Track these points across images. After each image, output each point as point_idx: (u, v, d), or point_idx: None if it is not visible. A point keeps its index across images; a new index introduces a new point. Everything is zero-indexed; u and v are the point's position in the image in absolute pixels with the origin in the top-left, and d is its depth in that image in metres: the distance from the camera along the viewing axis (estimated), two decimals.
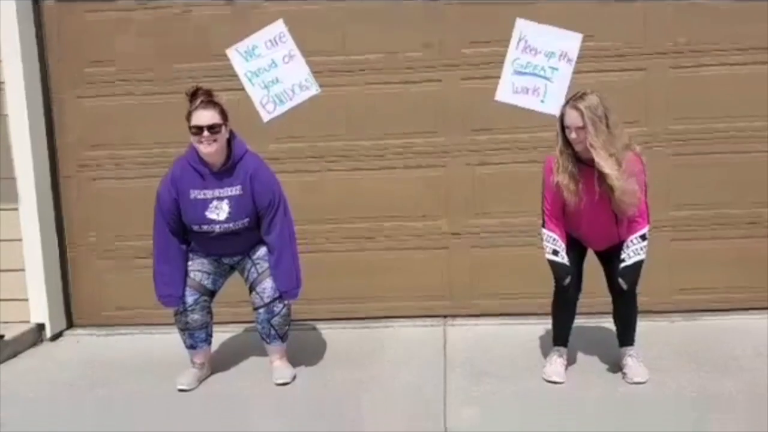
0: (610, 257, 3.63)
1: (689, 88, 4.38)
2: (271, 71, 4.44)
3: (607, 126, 3.37)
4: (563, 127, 3.44)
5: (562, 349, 3.79)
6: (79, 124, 4.68)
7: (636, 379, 3.60)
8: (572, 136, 3.40)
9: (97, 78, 4.63)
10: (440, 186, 4.58)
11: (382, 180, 4.58)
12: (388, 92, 4.52)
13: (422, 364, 3.98)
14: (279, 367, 3.85)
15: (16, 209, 4.54)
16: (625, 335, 3.73)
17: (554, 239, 3.57)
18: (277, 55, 4.42)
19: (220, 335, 4.25)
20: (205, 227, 3.65)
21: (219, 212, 3.62)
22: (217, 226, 3.64)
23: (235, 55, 4.38)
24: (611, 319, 3.79)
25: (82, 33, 4.60)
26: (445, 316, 4.63)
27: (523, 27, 4.22)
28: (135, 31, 4.58)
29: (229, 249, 3.76)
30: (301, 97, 4.42)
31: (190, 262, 3.76)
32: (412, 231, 4.63)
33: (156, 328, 4.54)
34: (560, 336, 3.79)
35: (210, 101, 3.57)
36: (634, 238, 3.51)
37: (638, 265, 3.50)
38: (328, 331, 4.52)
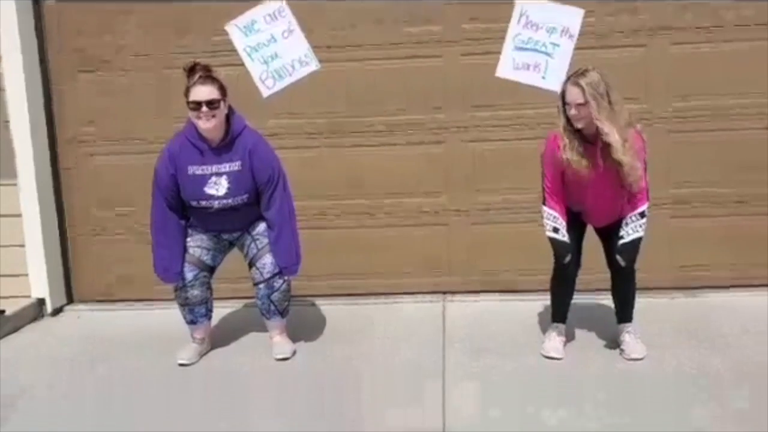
0: (609, 234, 3.63)
1: (690, 65, 4.36)
2: (271, 46, 4.39)
3: (609, 103, 3.36)
4: (564, 104, 3.43)
5: (561, 326, 3.81)
6: (79, 99, 4.65)
7: (633, 356, 3.62)
8: (572, 112, 3.39)
9: (92, 55, 4.60)
10: (440, 162, 4.58)
11: (381, 156, 4.57)
12: (388, 68, 4.49)
13: (421, 340, 4.00)
14: (279, 342, 3.87)
15: (15, 184, 4.54)
16: (624, 312, 3.75)
17: (555, 217, 3.57)
18: (277, 30, 4.38)
19: (220, 311, 4.27)
20: (203, 203, 3.64)
21: (218, 188, 3.62)
22: (216, 202, 3.63)
23: (234, 30, 4.33)
24: (610, 296, 3.80)
25: (78, 12, 4.56)
26: (444, 293, 4.64)
27: (524, 2, 4.18)
28: (130, 12, 4.54)
29: (228, 225, 3.76)
30: (301, 72, 4.38)
31: (189, 238, 3.76)
32: (413, 207, 4.63)
33: (156, 304, 4.56)
34: (559, 312, 3.81)
35: (208, 76, 3.54)
36: (633, 215, 3.51)
37: (637, 242, 3.51)
38: (327, 307, 4.53)
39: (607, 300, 3.89)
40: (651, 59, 4.40)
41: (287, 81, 4.40)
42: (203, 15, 4.50)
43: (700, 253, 4.52)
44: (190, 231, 3.78)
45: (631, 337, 3.69)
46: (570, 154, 3.44)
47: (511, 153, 4.44)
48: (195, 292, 3.77)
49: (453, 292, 4.64)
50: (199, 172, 3.62)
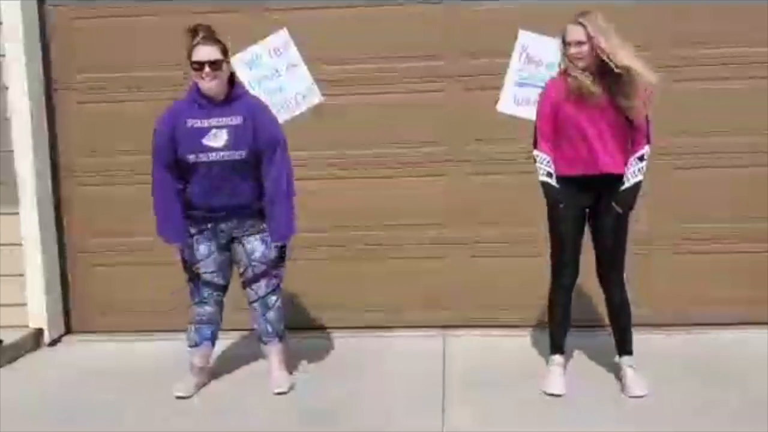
0: (602, 222, 3.59)
1: (693, 101, 4.39)
2: (274, 80, 4.46)
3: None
4: (566, 45, 3.44)
5: (561, 359, 3.77)
6: (80, 128, 4.69)
7: (636, 393, 3.58)
8: (571, 50, 3.39)
9: (98, 83, 4.65)
10: (441, 195, 4.59)
11: (383, 188, 4.59)
12: (391, 101, 4.53)
13: (421, 373, 3.97)
14: (277, 376, 3.84)
15: (16, 213, 4.55)
16: (623, 343, 3.71)
17: (548, 161, 3.56)
18: (281, 64, 4.44)
19: (219, 342, 4.23)
20: (201, 156, 3.58)
21: (217, 140, 3.57)
22: (214, 154, 3.57)
23: (238, 63, 4.39)
24: (609, 331, 3.78)
25: (85, 37, 4.62)
26: (444, 327, 4.62)
27: (525, 38, 4.24)
28: (137, 36, 4.60)
29: (225, 196, 3.65)
30: (304, 105, 4.43)
31: (199, 264, 3.74)
32: (413, 240, 4.63)
33: (155, 335, 4.53)
34: (557, 341, 3.77)
35: (211, 37, 3.56)
36: (633, 159, 3.50)
37: (636, 187, 3.50)
38: (327, 341, 4.51)
39: (607, 335, 3.86)
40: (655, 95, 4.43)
41: (290, 114, 4.45)
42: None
43: (703, 289, 4.50)
44: (194, 241, 3.72)
45: (633, 373, 3.65)
46: (577, 82, 3.39)
47: (511, 187, 4.44)
48: (209, 309, 3.79)
49: (453, 326, 4.61)
50: (198, 124, 3.59)
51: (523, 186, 4.26)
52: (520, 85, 4.29)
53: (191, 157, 3.59)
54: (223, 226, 3.73)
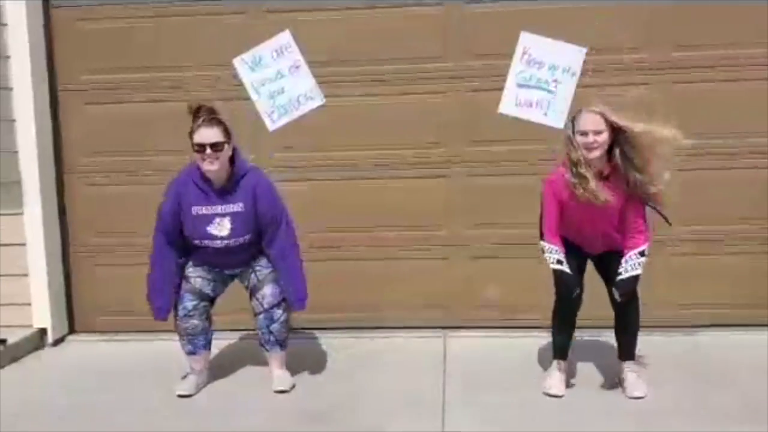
0: (609, 271, 3.62)
1: (693, 102, 4.40)
2: (277, 81, 4.47)
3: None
4: (577, 135, 3.44)
5: (562, 363, 3.77)
6: (85, 129, 4.72)
7: (635, 394, 3.59)
8: (588, 139, 3.39)
9: (102, 85, 4.68)
10: (442, 196, 4.60)
11: (383, 190, 4.60)
12: (392, 103, 4.54)
13: (421, 374, 3.98)
14: (278, 375, 3.85)
15: (20, 214, 4.58)
16: (626, 349, 3.72)
17: (556, 250, 3.57)
18: (283, 66, 4.46)
19: (220, 342, 4.26)
20: (206, 242, 3.68)
21: (221, 228, 3.65)
22: (219, 242, 3.67)
23: (241, 64, 4.41)
24: (611, 333, 3.78)
25: (90, 39, 4.65)
26: (444, 327, 4.63)
27: (527, 40, 4.24)
28: (141, 40, 4.62)
29: (230, 262, 3.79)
30: (306, 107, 4.44)
31: (190, 269, 3.78)
32: (413, 241, 4.64)
33: (157, 335, 4.53)
34: (560, 349, 3.78)
35: (213, 119, 3.59)
36: (633, 253, 3.51)
37: (634, 279, 3.51)
38: (327, 340, 4.52)
39: (609, 337, 3.87)
40: (653, 97, 4.43)
41: (293, 115, 4.46)
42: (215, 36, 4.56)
43: (701, 292, 4.50)
44: (191, 261, 3.79)
45: (632, 376, 3.66)
46: (587, 193, 3.41)
47: (512, 188, 4.45)
48: (195, 322, 3.77)
49: (453, 327, 4.62)
50: (202, 212, 3.66)
51: (524, 188, 4.27)
52: (522, 86, 4.30)
53: (197, 242, 3.69)
54: (228, 271, 3.85)
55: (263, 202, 3.68)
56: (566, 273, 3.55)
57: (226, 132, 3.62)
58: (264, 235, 3.73)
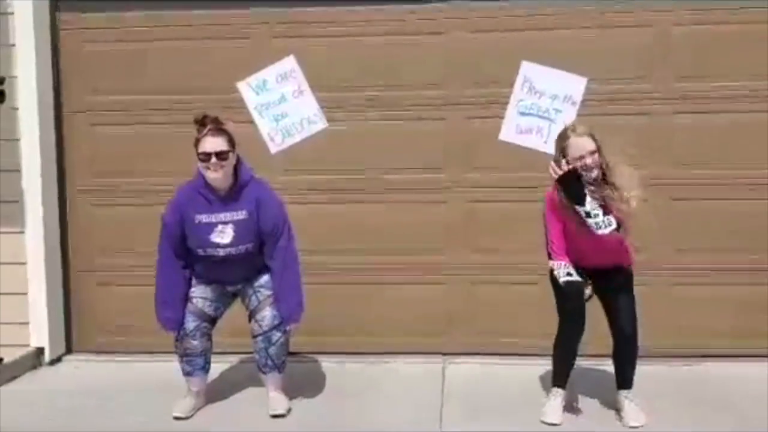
0: (609, 298, 3.63)
1: (694, 133, 4.43)
2: (281, 105, 4.50)
3: None
4: (567, 160, 3.46)
5: (561, 391, 3.75)
6: (88, 149, 4.76)
7: (632, 424, 3.57)
8: (588, 161, 3.43)
9: (105, 106, 4.73)
10: (442, 221, 4.62)
11: (383, 214, 4.62)
12: (394, 128, 4.59)
13: (419, 400, 3.96)
14: (275, 398, 3.84)
15: (21, 232, 4.59)
16: (624, 378, 3.70)
17: (565, 265, 3.58)
18: (287, 90, 4.49)
19: (218, 365, 4.23)
20: (209, 251, 3.69)
21: (223, 236, 3.66)
22: (221, 250, 3.68)
23: (246, 88, 4.45)
24: (610, 361, 3.76)
25: (97, 60, 4.70)
26: (443, 354, 4.61)
27: (527, 69, 4.28)
28: (147, 62, 4.68)
29: (232, 274, 3.79)
30: (309, 130, 4.47)
31: (192, 289, 3.79)
32: (413, 265, 4.64)
33: (154, 356, 4.54)
34: (560, 377, 3.75)
35: (218, 128, 3.64)
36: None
37: (632, 309, 3.58)
38: (325, 365, 4.51)
39: (608, 366, 3.86)
40: (655, 127, 4.47)
41: (295, 139, 4.49)
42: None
43: (702, 321, 4.49)
44: (194, 281, 3.81)
45: (630, 404, 3.64)
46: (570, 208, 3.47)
47: (512, 214, 4.47)
48: (195, 342, 3.77)
49: (452, 353, 4.61)
50: (205, 220, 3.68)
51: (524, 213, 4.30)
52: (523, 114, 4.33)
53: (200, 251, 3.71)
54: (230, 288, 3.85)
55: (266, 211, 3.70)
56: (575, 281, 3.53)
57: (231, 141, 3.66)
58: (265, 246, 3.74)
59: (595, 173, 3.47)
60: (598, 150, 3.47)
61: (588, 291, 3.61)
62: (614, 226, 3.44)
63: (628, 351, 3.66)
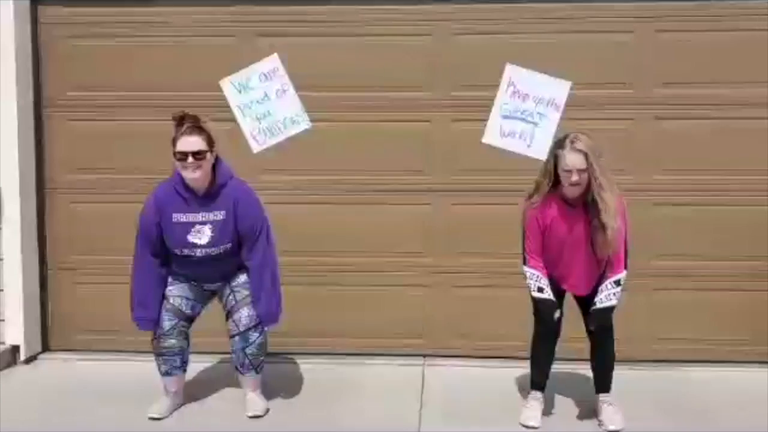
0: (587, 301, 3.62)
1: (676, 138, 4.44)
2: (264, 104, 4.45)
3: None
4: (557, 171, 3.46)
5: (540, 394, 3.76)
6: (66, 145, 4.71)
7: (612, 427, 3.58)
8: (573, 178, 3.40)
9: (85, 102, 4.68)
10: (424, 224, 4.61)
11: (365, 215, 4.60)
12: (377, 130, 4.57)
13: (398, 402, 3.95)
14: (252, 399, 3.81)
15: None
16: (602, 381, 3.71)
17: (538, 276, 3.57)
18: (270, 89, 4.45)
19: (196, 365, 4.20)
20: (186, 251, 3.65)
21: (201, 236, 3.63)
22: (199, 250, 3.64)
23: (228, 86, 4.41)
24: (588, 365, 3.77)
25: (77, 56, 4.66)
26: (424, 356, 4.60)
27: (512, 72, 4.27)
28: (128, 58, 4.64)
29: (210, 274, 3.75)
30: (292, 130, 4.43)
31: (170, 287, 3.75)
32: (394, 268, 4.63)
33: (131, 355, 4.49)
34: (538, 380, 3.77)
35: (196, 127, 3.59)
36: (609, 282, 3.51)
37: (609, 310, 3.51)
38: (303, 366, 4.48)
39: (585, 369, 3.86)
40: (637, 132, 4.48)
41: (278, 138, 4.44)
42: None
43: (682, 327, 4.51)
44: (170, 279, 3.77)
45: (609, 408, 3.65)
46: (550, 217, 3.48)
47: (494, 217, 4.46)
48: (172, 341, 3.73)
49: (432, 356, 4.60)
50: (183, 219, 3.64)
51: (506, 218, 4.28)
52: (506, 117, 4.32)
53: (177, 251, 3.67)
54: (208, 287, 3.82)
55: (244, 211, 3.66)
56: (546, 299, 3.55)
57: (209, 141, 3.61)
58: (244, 246, 3.70)
59: (577, 191, 3.44)
60: (589, 170, 3.40)
61: (557, 314, 3.59)
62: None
63: (605, 352, 3.66)
